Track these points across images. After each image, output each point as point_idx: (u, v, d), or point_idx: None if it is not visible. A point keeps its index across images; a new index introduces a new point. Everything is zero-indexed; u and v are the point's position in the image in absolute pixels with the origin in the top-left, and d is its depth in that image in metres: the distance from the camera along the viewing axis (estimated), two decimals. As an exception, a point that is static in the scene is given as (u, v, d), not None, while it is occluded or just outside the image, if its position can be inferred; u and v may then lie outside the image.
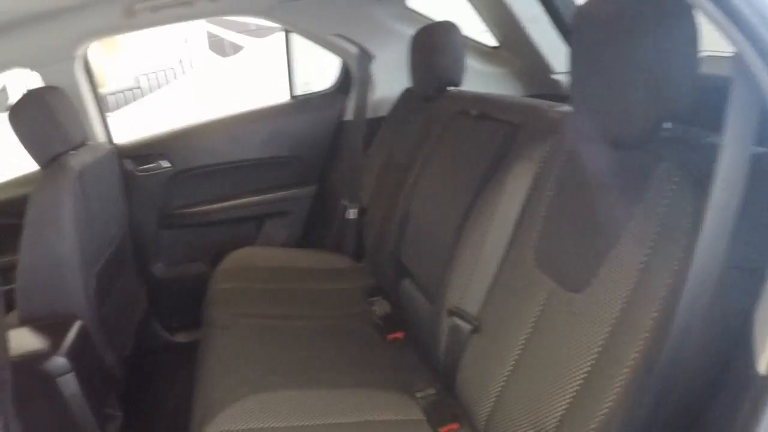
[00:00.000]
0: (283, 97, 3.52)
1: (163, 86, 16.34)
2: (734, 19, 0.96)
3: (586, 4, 1.40)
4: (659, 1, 1.24)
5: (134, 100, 15.45)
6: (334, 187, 3.40)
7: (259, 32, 16.38)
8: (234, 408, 1.83)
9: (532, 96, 3.07)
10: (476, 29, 3.16)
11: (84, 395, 2.05)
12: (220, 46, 17.73)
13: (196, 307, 2.83)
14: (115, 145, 3.10)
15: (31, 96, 2.34)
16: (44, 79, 2.78)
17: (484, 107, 2.23)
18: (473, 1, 3.10)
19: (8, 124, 2.32)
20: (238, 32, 17.48)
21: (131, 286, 3.04)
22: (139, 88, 15.88)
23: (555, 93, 2.97)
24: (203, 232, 3.39)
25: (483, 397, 1.64)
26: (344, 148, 3.38)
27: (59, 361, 1.99)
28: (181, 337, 3.41)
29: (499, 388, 1.59)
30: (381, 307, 2.57)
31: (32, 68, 2.76)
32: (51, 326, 2.15)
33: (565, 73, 2.92)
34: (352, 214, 3.13)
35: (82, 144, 2.51)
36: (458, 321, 1.81)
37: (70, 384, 2.01)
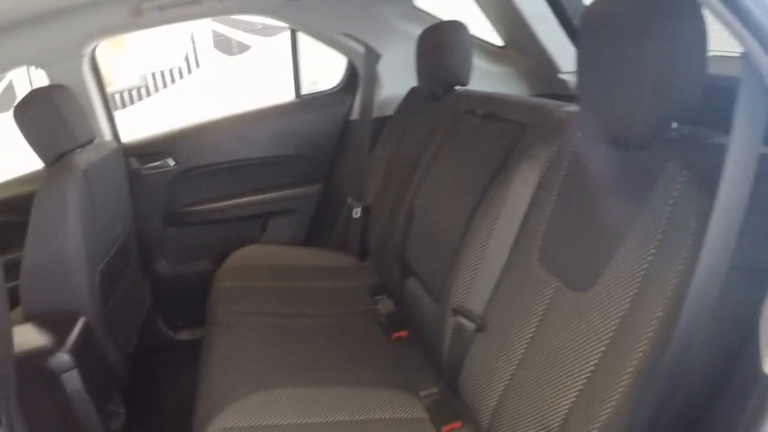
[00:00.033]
0: (289, 96, 3.51)
1: (169, 85, 16.36)
2: (743, 19, 0.96)
3: (594, 3, 1.40)
4: (667, 0, 1.24)
5: (140, 98, 15.47)
6: (340, 186, 3.40)
7: (265, 31, 16.39)
8: (237, 405, 1.83)
9: (538, 96, 3.06)
10: (483, 28, 3.16)
11: (87, 392, 2.05)
12: (227, 46, 17.74)
13: (200, 305, 2.83)
14: (121, 143, 3.10)
15: (37, 94, 2.34)
16: (52, 77, 2.79)
17: (491, 107, 2.23)
18: (480, 0, 3.10)
19: (12, 123, 2.32)
20: (245, 31, 17.49)
21: (135, 284, 3.05)
22: (145, 86, 15.90)
23: (562, 93, 2.96)
24: (208, 230, 3.40)
25: (487, 395, 1.64)
26: (350, 147, 3.38)
27: (63, 357, 1.99)
28: (184, 335, 3.41)
29: (503, 387, 1.59)
30: (385, 305, 2.57)
31: (40, 66, 2.77)
32: (55, 323, 2.15)
33: (572, 72, 2.92)
34: (357, 212, 3.13)
35: (89, 142, 2.51)
36: (463, 320, 1.81)
37: (73, 380, 2.01)
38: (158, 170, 3.21)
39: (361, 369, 2.12)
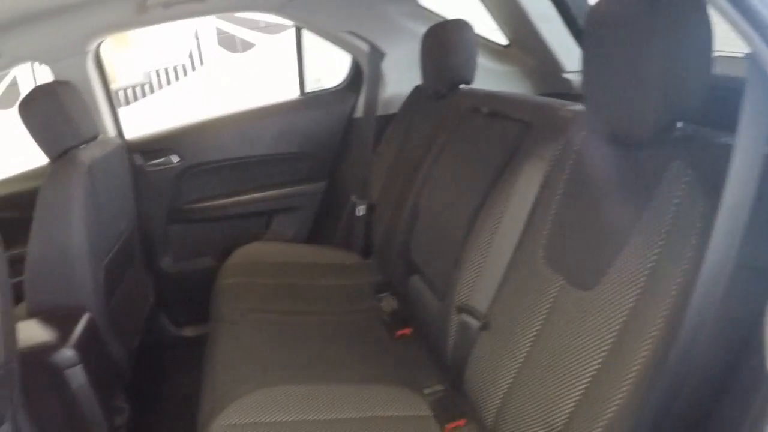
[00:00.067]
0: (293, 93, 3.52)
1: (173, 82, 16.37)
2: (750, 19, 0.96)
3: (599, 2, 1.40)
4: (673, 0, 1.24)
5: (144, 95, 15.48)
6: (344, 183, 3.41)
7: (269, 29, 16.41)
8: (241, 402, 1.83)
9: (542, 95, 3.06)
10: (487, 27, 3.16)
11: (92, 387, 2.05)
12: (231, 43, 17.75)
13: (203, 302, 2.84)
14: (124, 139, 3.10)
15: (42, 90, 2.34)
16: (56, 73, 2.79)
17: (495, 105, 2.23)
18: (484, -1, 3.11)
19: (9, 122, 2.33)
20: (249, 29, 17.51)
21: (139, 280, 3.05)
22: (149, 83, 15.92)
23: (565, 92, 2.96)
24: (212, 227, 3.40)
25: (491, 393, 1.64)
26: (354, 144, 3.38)
27: (67, 353, 2.00)
28: (188, 332, 3.42)
29: (508, 385, 1.59)
30: (389, 303, 2.57)
31: (45, 62, 2.78)
32: (59, 318, 2.16)
33: (576, 72, 2.92)
34: (361, 210, 3.13)
35: (93, 138, 2.52)
36: (467, 318, 1.82)
37: (78, 376, 2.02)
38: (162, 167, 3.22)
39: (364, 366, 2.12)
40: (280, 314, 2.44)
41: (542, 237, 1.64)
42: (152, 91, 15.82)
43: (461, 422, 1.81)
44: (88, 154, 2.38)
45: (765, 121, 1.02)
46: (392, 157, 2.96)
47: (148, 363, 3.00)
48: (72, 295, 2.24)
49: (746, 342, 1.12)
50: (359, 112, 3.36)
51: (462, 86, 2.62)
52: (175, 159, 3.22)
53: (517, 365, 1.57)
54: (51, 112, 2.31)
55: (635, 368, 1.23)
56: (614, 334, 1.30)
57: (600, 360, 1.32)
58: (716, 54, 1.24)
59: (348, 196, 3.27)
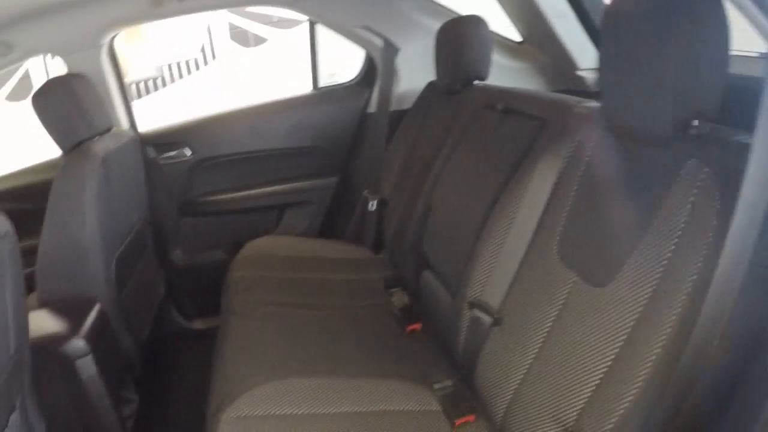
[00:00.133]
0: (304, 88, 3.52)
1: (185, 76, 16.41)
2: None
3: (616, 0, 1.39)
4: None
5: (156, 89, 15.52)
6: (356, 178, 3.41)
7: (282, 24, 16.43)
8: (251, 394, 1.84)
9: (556, 92, 3.06)
10: (501, 24, 3.15)
11: (101, 378, 2.06)
12: (243, 38, 17.78)
13: (213, 295, 2.84)
14: (137, 132, 3.11)
15: (56, 82, 2.35)
16: (70, 66, 2.80)
17: (510, 101, 2.22)
18: (499, -5, 3.10)
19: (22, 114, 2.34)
20: (262, 24, 17.53)
21: (150, 272, 3.06)
22: (161, 77, 15.96)
23: (580, 89, 2.95)
24: (223, 220, 3.40)
25: (502, 389, 1.64)
26: (367, 140, 3.37)
27: (78, 343, 2.01)
28: (198, 324, 3.42)
29: (519, 381, 1.59)
30: (400, 298, 2.57)
31: (59, 55, 2.78)
32: (70, 309, 2.17)
33: (590, 69, 2.91)
34: (373, 205, 3.13)
35: (106, 131, 2.52)
36: (479, 313, 1.81)
37: (88, 366, 2.03)
38: (175, 160, 3.22)
39: (374, 361, 2.12)
40: (291, 308, 2.44)
41: (556, 233, 1.63)
42: (164, 84, 15.85)
43: (471, 418, 1.81)
44: (101, 146, 2.39)
45: None
46: (405, 153, 2.96)
47: (158, 355, 3.01)
48: (83, 286, 2.25)
49: (760, 341, 1.12)
50: (372, 107, 3.35)
51: (476, 82, 2.62)
52: (187, 152, 3.22)
53: (529, 361, 1.57)
54: (65, 104, 2.32)
55: (647, 366, 1.22)
56: (627, 331, 1.30)
57: (612, 357, 1.32)
58: (733, 53, 1.24)
59: (360, 191, 3.28)
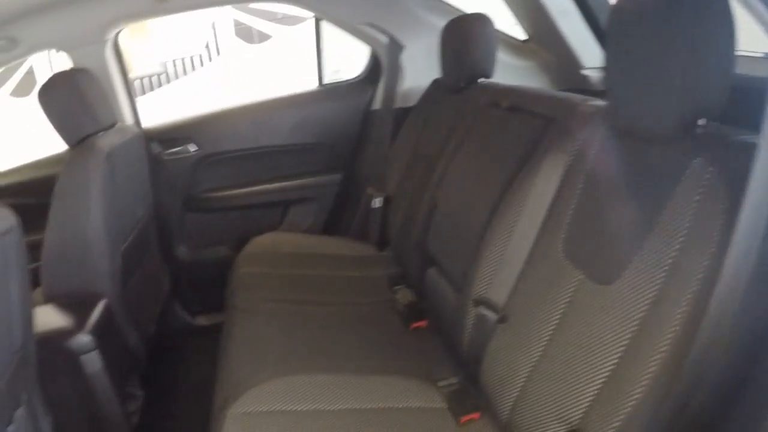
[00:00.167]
0: (310, 85, 3.52)
1: (189, 72, 16.40)
2: None
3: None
4: None
5: (160, 85, 15.52)
6: (360, 175, 3.41)
7: (286, 20, 16.42)
8: (256, 391, 1.84)
9: (560, 90, 3.05)
10: (506, 22, 3.15)
11: (106, 373, 2.06)
12: (247, 34, 17.77)
13: (218, 291, 2.85)
14: (142, 128, 3.11)
15: (61, 77, 2.35)
16: (75, 61, 2.81)
17: (515, 99, 2.22)
18: (504, -7, 3.10)
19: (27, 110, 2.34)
20: (266, 20, 17.52)
21: (155, 268, 3.06)
22: (165, 73, 15.95)
23: (584, 88, 2.95)
24: (228, 216, 3.41)
25: (507, 387, 1.64)
26: (371, 136, 3.38)
27: (84, 339, 2.01)
28: (202, 320, 3.43)
29: (524, 379, 1.59)
30: (404, 295, 2.57)
31: (64, 50, 2.79)
32: (76, 304, 2.17)
33: (595, 68, 2.91)
34: (377, 202, 3.13)
35: (111, 126, 2.53)
36: (484, 310, 1.81)
37: (93, 362, 2.03)
38: (179, 156, 3.23)
39: (379, 357, 2.13)
40: (295, 304, 2.44)
41: (562, 231, 1.63)
42: (168, 80, 15.85)
43: (476, 415, 1.81)
44: (106, 141, 2.39)
45: None
46: (410, 150, 2.96)
47: (163, 351, 3.01)
48: (88, 281, 2.25)
49: (766, 341, 1.12)
50: (377, 104, 3.35)
51: (481, 80, 2.61)
52: (192, 148, 3.23)
53: (534, 359, 1.57)
54: (70, 99, 2.32)
55: (653, 365, 1.22)
56: (633, 329, 1.30)
57: (618, 355, 1.32)
58: (739, 53, 1.24)
59: (364, 187, 3.28)
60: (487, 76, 2.59)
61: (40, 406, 1.60)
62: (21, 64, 12.69)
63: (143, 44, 14.55)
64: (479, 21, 2.56)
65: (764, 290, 1.11)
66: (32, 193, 2.82)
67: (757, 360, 1.13)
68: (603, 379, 1.35)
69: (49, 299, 2.21)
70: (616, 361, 1.32)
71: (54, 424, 1.65)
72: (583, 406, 1.38)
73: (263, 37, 17.58)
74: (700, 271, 1.18)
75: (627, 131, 1.48)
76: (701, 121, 1.30)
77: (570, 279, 1.54)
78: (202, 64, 16.74)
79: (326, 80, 3.53)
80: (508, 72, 3.05)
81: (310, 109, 3.37)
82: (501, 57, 2.73)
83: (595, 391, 1.36)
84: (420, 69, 3.19)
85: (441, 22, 2.74)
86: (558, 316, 1.54)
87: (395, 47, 3.19)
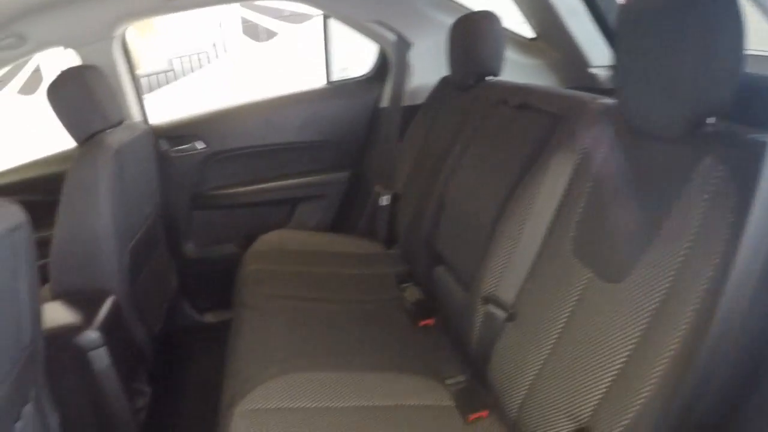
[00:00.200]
0: (317, 83, 3.52)
1: (196, 70, 16.43)
2: None
3: None
4: None
5: (167, 82, 15.55)
6: (368, 173, 3.41)
7: (293, 18, 16.43)
8: (264, 388, 1.84)
9: (568, 89, 3.05)
10: (514, 20, 3.15)
11: (114, 370, 2.07)
12: (254, 32, 17.80)
13: (225, 288, 2.85)
14: (149, 125, 3.12)
15: (70, 73, 2.35)
16: (83, 58, 2.81)
17: (524, 97, 2.21)
18: (512, -9, 3.09)
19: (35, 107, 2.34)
20: (273, 18, 17.54)
21: (162, 265, 3.07)
22: (172, 71, 15.98)
23: (592, 86, 2.95)
24: (235, 213, 3.41)
25: (515, 385, 1.64)
26: (379, 134, 3.37)
27: (92, 335, 2.01)
28: (209, 317, 3.44)
29: (533, 377, 1.59)
30: (412, 293, 2.57)
31: (72, 47, 2.79)
32: (84, 301, 2.17)
33: (602, 67, 2.90)
34: (385, 200, 3.12)
35: (119, 123, 2.53)
36: (493, 308, 1.81)
37: (101, 358, 2.04)
38: (187, 153, 3.23)
39: (387, 355, 2.13)
40: (303, 302, 2.44)
41: (571, 229, 1.63)
42: (175, 78, 15.88)
43: (484, 413, 1.81)
44: (115, 138, 2.39)
45: None
46: (418, 148, 2.95)
47: (170, 348, 3.02)
48: (97, 278, 2.25)
49: None
50: (385, 101, 3.35)
51: (489, 78, 2.61)
52: (200, 145, 3.23)
53: (543, 357, 1.57)
54: (79, 96, 2.32)
55: (663, 363, 1.22)
56: (642, 327, 1.30)
57: (627, 353, 1.32)
58: (749, 52, 1.24)
59: (372, 185, 3.28)
60: (495, 74, 2.59)
61: (48, 402, 1.60)
62: (27, 62, 12.73)
63: (151, 42, 14.58)
64: (487, 19, 2.56)
65: None
66: (41, 190, 2.83)
67: (766, 358, 1.13)
68: (612, 377, 1.34)
69: (57, 296, 2.22)
70: (625, 359, 1.32)
71: (61, 420, 1.65)
72: (592, 403, 1.38)
73: (270, 35, 17.60)
74: (710, 270, 1.17)
75: (636, 129, 1.47)
76: (711, 120, 1.30)
77: (579, 277, 1.54)
78: (209, 62, 16.77)
79: (334, 78, 3.52)
80: (516, 70, 3.04)
81: (318, 106, 3.37)
82: (509, 55, 2.72)
83: (604, 389, 1.36)
84: (428, 67, 3.19)
85: (449, 20, 2.73)
86: (567, 315, 1.53)
87: (403, 45, 3.19)
